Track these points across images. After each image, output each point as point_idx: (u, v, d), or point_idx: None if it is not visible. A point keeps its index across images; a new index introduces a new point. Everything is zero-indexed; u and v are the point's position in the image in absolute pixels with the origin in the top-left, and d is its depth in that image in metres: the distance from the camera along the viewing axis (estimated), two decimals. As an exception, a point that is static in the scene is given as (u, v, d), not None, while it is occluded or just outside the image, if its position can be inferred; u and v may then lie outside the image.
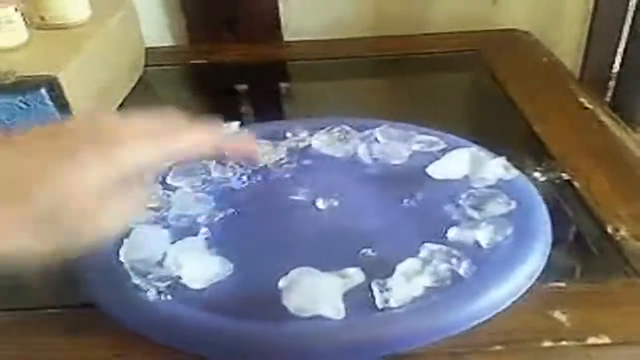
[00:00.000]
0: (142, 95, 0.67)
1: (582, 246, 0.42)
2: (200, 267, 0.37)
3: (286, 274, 0.35)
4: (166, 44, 0.80)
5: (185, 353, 0.34)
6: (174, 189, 0.46)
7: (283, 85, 0.72)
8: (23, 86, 0.51)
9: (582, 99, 0.59)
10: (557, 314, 0.35)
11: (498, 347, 0.33)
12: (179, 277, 0.37)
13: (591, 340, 0.33)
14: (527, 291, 0.36)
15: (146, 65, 0.72)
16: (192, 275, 0.37)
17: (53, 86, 0.51)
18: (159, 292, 0.36)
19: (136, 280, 0.37)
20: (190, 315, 0.35)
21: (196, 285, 0.37)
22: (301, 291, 0.34)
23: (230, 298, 0.36)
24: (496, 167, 0.45)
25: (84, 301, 0.37)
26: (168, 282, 0.36)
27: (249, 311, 0.35)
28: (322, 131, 0.52)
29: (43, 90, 0.51)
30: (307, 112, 0.61)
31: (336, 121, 0.53)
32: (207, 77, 0.74)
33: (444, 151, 0.48)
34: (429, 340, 0.34)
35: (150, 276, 0.37)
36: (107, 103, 0.61)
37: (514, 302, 0.36)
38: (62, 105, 0.52)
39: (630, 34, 0.74)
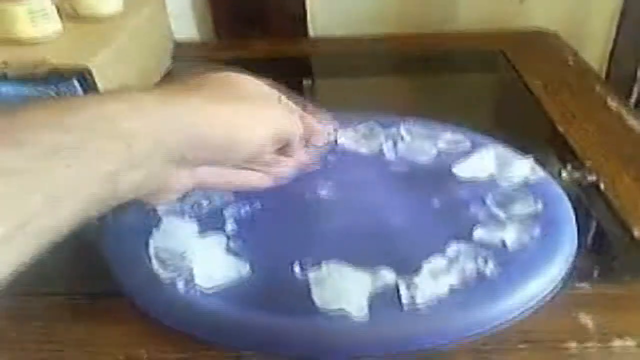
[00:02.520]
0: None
1: (608, 248, 0.42)
2: (215, 266, 0.38)
3: (318, 266, 0.36)
4: (194, 39, 0.81)
5: (209, 343, 0.34)
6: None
7: (308, 81, 0.72)
8: (56, 76, 0.52)
9: (608, 101, 0.59)
10: (582, 316, 0.35)
11: (522, 347, 0.34)
12: (193, 273, 0.37)
13: (616, 342, 0.33)
14: (552, 292, 0.36)
15: (174, 59, 0.72)
16: (205, 274, 0.37)
17: (85, 77, 0.52)
18: (187, 283, 0.37)
19: (157, 269, 0.38)
20: (216, 307, 0.35)
21: (207, 284, 0.37)
22: (329, 286, 0.35)
23: (256, 291, 0.36)
24: (523, 168, 0.45)
25: (113, 289, 0.38)
26: (186, 275, 0.37)
27: (274, 304, 0.35)
28: (348, 127, 0.52)
29: (75, 81, 0.52)
30: (332, 109, 0.62)
31: (362, 117, 0.53)
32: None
33: (469, 150, 0.48)
34: (453, 339, 0.34)
35: (171, 267, 0.37)
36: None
37: (538, 304, 0.36)
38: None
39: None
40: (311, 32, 0.80)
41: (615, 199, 0.45)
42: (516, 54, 0.71)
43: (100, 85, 0.53)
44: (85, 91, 0.53)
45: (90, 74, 0.52)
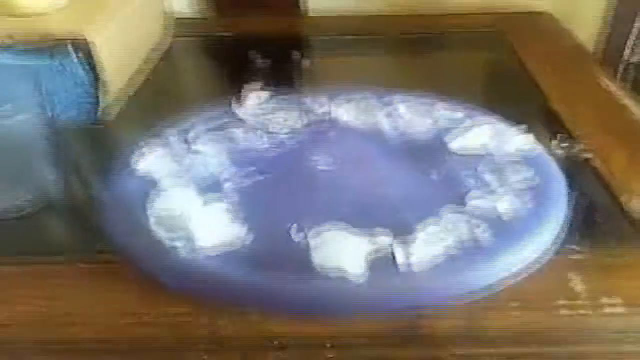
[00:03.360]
0: (168, 64, 0.68)
1: (599, 218, 0.43)
2: (215, 230, 0.38)
3: (317, 229, 0.36)
4: (194, 15, 0.81)
5: (210, 301, 0.35)
6: (199, 152, 0.48)
7: (304, 58, 0.72)
8: (54, 47, 0.52)
9: (603, 80, 0.60)
10: (573, 280, 0.36)
11: (515, 308, 0.35)
12: (193, 236, 0.38)
13: (605, 304, 0.35)
14: (543, 257, 0.37)
15: (174, 34, 0.73)
16: (206, 237, 0.38)
17: (83, 48, 0.52)
18: (188, 246, 0.37)
19: (157, 232, 0.38)
20: (218, 267, 0.36)
21: (207, 248, 0.37)
22: (328, 247, 0.35)
23: (257, 252, 0.37)
24: (518, 140, 0.46)
25: (112, 252, 0.39)
26: (187, 238, 0.38)
27: (274, 264, 0.36)
28: (345, 102, 0.53)
29: (74, 52, 0.52)
30: (327, 85, 0.62)
31: (359, 92, 0.54)
32: (232, 48, 0.74)
33: (466, 124, 0.49)
34: (447, 300, 0.35)
35: (171, 230, 0.38)
36: (130, 66, 0.62)
37: (531, 267, 0.37)
38: (91, 68, 0.53)
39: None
40: (309, 10, 0.80)
41: (606, 172, 0.46)
42: (513, 34, 0.71)
43: (99, 57, 0.53)
44: (83, 63, 0.53)
45: (90, 46, 0.52)
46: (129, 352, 0.34)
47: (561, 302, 0.35)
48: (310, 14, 0.80)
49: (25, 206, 0.44)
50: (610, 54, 0.78)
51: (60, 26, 0.54)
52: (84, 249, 0.41)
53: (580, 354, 0.34)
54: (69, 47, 0.52)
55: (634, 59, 0.76)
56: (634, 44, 0.75)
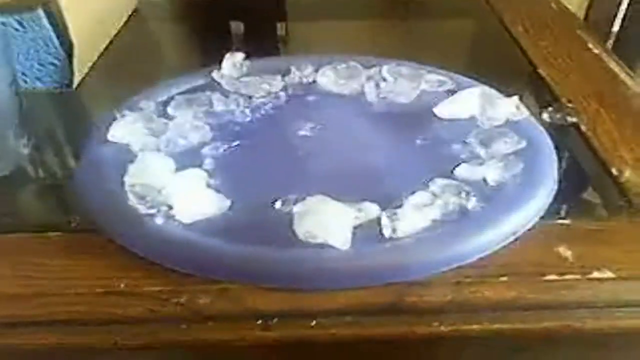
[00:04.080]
0: (137, 26, 0.65)
1: (588, 186, 0.42)
2: (195, 201, 0.37)
3: (303, 200, 0.35)
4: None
5: (190, 274, 0.34)
6: (176, 120, 0.45)
7: (283, 23, 0.70)
8: (20, 6, 0.49)
9: (589, 45, 0.59)
10: (562, 249, 0.35)
11: (503, 279, 0.34)
12: (171, 207, 0.36)
13: (595, 274, 0.34)
14: (533, 227, 0.37)
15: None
16: (185, 209, 0.36)
17: (51, 7, 0.49)
18: (167, 218, 0.36)
19: (133, 203, 0.36)
20: (198, 239, 0.35)
21: (187, 218, 0.36)
22: (312, 218, 0.34)
23: (238, 224, 0.36)
24: (507, 107, 0.45)
25: (88, 225, 0.37)
26: (164, 209, 0.36)
27: (257, 236, 0.34)
28: (328, 67, 0.51)
29: (40, 11, 0.49)
30: (308, 51, 0.60)
31: (342, 58, 0.52)
32: (205, 11, 0.71)
33: (452, 91, 0.48)
34: (435, 271, 0.34)
35: (149, 202, 0.36)
36: (102, 31, 0.59)
37: (520, 237, 0.36)
38: (60, 28, 0.50)
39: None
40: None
41: (595, 140, 0.45)
42: (498, -1, 0.70)
43: (67, 16, 0.50)
44: (51, 22, 0.50)
45: (57, 4, 0.49)
46: (105, 326, 0.33)
47: (550, 272, 0.34)
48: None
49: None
50: (595, 17, 0.77)
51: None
52: (56, 221, 0.39)
53: (569, 324, 0.34)
54: (38, 8, 0.49)
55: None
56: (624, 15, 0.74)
